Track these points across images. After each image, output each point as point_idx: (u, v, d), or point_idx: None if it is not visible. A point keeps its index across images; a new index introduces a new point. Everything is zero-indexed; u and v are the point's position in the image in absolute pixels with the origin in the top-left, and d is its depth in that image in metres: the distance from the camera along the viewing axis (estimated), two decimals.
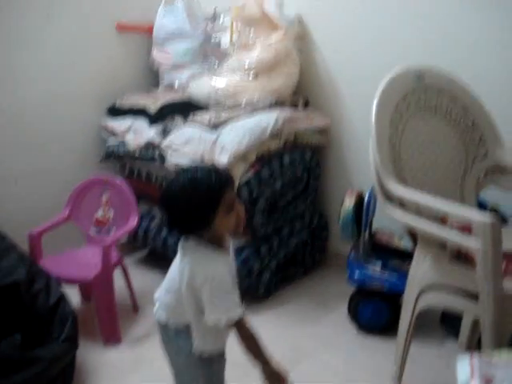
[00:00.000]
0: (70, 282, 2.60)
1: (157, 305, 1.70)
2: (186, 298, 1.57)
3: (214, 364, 1.68)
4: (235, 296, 1.57)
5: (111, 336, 2.59)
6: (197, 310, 1.57)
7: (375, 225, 2.75)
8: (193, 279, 1.54)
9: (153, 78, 3.50)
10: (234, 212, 1.56)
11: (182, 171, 1.61)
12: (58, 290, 2.35)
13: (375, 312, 2.63)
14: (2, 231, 2.49)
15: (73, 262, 2.74)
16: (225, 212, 1.53)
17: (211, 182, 1.52)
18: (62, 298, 2.32)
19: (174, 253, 2.95)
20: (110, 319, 2.59)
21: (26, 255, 2.47)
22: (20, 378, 1.92)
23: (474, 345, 2.36)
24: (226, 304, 1.54)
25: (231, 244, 1.69)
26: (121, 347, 2.60)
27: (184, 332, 1.63)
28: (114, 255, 2.69)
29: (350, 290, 2.71)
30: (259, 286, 2.90)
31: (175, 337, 1.66)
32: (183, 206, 1.53)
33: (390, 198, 2.02)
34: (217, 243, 1.60)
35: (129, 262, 3.26)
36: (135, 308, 2.89)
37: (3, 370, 1.91)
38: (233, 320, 1.54)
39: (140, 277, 3.13)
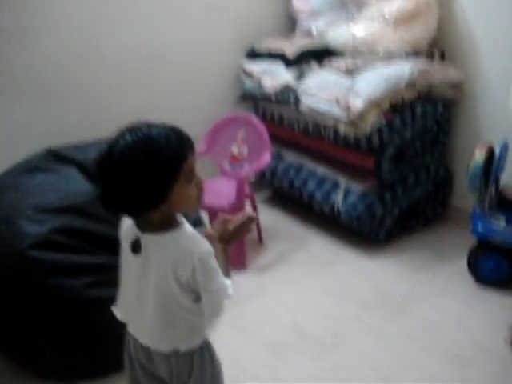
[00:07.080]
0: (208, 208, 2.80)
1: None
2: None
3: None
4: None
5: (239, 262, 2.79)
6: None
7: (503, 180, 2.75)
8: None
9: (290, 23, 3.59)
10: (195, 180, 1.28)
11: (128, 130, 1.24)
12: None
13: (496, 266, 2.65)
14: None
15: (208, 191, 2.92)
16: (185, 182, 1.25)
17: (170, 143, 1.23)
18: None
19: (300, 194, 3.12)
20: (240, 246, 2.77)
21: None
22: None
23: None
24: None
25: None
26: (247, 274, 2.80)
27: None
28: (246, 188, 2.85)
29: (468, 245, 2.74)
30: (380, 231, 2.99)
31: None
32: (131, 176, 1.19)
33: None
34: (169, 224, 1.31)
35: (256, 199, 3.44)
36: (260, 241, 3.08)
37: None
38: None
39: (265, 214, 3.30)
